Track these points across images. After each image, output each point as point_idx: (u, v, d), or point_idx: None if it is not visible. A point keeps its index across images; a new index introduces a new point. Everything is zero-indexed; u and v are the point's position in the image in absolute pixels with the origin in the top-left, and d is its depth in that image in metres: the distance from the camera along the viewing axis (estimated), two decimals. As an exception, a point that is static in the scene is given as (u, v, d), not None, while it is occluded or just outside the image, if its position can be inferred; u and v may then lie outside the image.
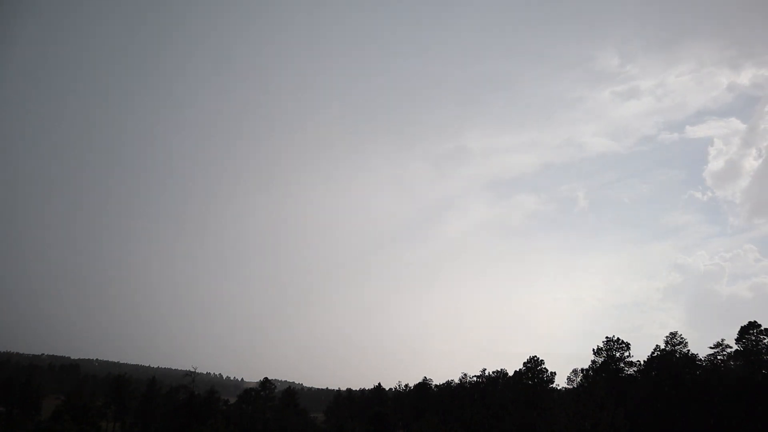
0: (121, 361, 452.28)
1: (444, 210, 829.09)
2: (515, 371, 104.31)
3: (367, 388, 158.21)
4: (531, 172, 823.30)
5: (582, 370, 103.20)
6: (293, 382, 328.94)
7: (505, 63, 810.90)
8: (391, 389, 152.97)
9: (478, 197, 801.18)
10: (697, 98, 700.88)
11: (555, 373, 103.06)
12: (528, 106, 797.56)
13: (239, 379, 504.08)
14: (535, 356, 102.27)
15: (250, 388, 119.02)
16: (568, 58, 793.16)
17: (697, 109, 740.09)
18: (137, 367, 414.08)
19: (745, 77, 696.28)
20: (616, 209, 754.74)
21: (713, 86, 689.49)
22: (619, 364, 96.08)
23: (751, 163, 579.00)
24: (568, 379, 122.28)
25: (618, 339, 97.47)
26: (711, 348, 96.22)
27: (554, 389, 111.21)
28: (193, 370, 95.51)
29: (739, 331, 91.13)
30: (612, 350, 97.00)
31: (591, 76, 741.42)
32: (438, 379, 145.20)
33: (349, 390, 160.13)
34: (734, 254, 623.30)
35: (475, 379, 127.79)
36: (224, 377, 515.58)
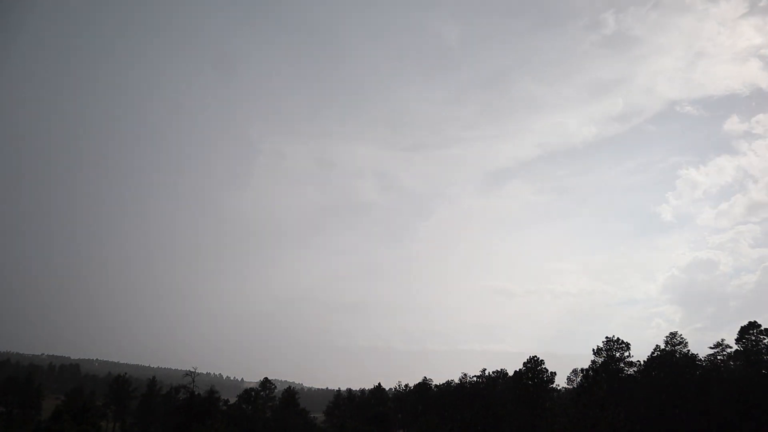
0: (121, 361, 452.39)
1: (433, 201, 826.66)
2: (515, 371, 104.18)
3: (367, 388, 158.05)
4: (526, 160, 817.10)
5: (582, 370, 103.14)
6: (293, 382, 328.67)
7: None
8: (391, 389, 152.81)
9: (469, 187, 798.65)
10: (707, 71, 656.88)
11: (555, 373, 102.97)
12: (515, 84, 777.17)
13: (239, 379, 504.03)
14: (535, 356, 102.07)
15: (250, 388, 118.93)
16: (558, 24, 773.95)
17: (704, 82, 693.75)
18: (137, 367, 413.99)
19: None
20: (616, 198, 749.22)
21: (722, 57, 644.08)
22: (619, 364, 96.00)
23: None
24: (568, 379, 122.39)
25: (618, 339, 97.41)
26: (711, 348, 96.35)
27: (554, 389, 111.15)
28: (193, 370, 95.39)
29: (739, 331, 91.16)
30: (612, 350, 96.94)
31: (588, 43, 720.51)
32: (438, 379, 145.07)
33: (349, 390, 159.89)
34: (733, 243, 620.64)
35: (475, 379, 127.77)
36: (224, 377, 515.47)
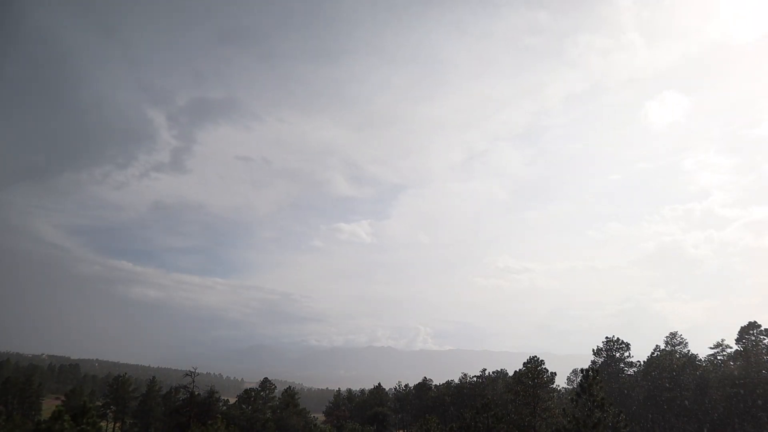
0: (121, 361, 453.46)
1: (418, 186, 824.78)
2: (515, 371, 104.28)
3: (367, 388, 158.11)
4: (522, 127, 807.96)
5: (582, 370, 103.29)
6: (293, 383, 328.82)
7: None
8: (391, 389, 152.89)
9: (452, 170, 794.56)
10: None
11: (555, 373, 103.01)
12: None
13: (239, 379, 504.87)
14: (535, 356, 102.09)
15: (250, 388, 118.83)
16: None
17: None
18: (137, 367, 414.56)
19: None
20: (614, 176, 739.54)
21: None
22: (619, 364, 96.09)
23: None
24: (568, 379, 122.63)
25: (618, 339, 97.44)
26: (711, 348, 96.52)
27: (554, 389, 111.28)
28: (193, 370, 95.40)
29: (739, 331, 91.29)
30: (612, 350, 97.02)
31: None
32: (438, 379, 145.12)
33: (349, 390, 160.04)
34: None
35: (475, 379, 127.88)
36: (224, 377, 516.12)
